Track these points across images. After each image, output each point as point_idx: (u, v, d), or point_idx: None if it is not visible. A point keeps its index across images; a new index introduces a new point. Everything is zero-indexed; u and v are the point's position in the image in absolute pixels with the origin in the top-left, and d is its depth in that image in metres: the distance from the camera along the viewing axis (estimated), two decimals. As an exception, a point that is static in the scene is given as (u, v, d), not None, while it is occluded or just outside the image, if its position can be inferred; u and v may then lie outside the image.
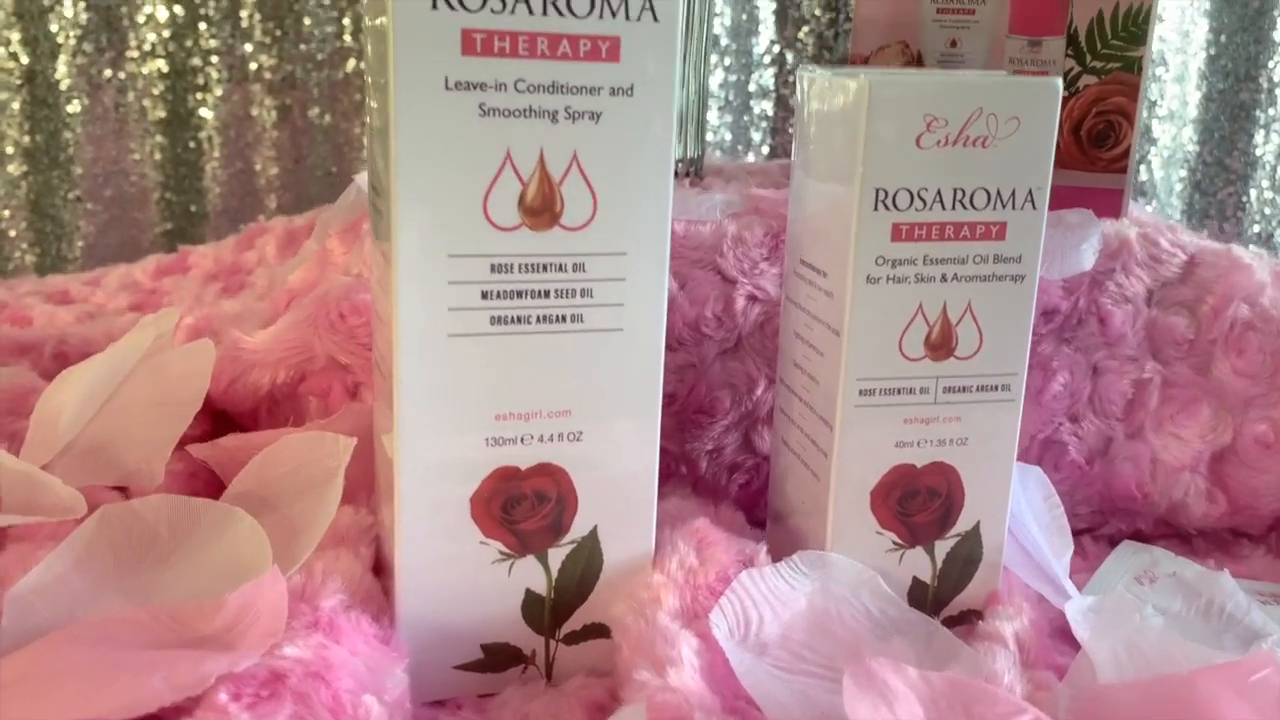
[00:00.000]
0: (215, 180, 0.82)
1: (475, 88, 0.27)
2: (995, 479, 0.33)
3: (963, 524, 0.33)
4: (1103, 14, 0.45)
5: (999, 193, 0.31)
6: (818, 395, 0.33)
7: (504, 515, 0.30)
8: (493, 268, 0.28)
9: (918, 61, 0.47)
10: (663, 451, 0.40)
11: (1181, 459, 0.40)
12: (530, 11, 0.27)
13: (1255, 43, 0.86)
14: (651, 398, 0.30)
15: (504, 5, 0.26)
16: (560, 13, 0.27)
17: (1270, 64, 0.86)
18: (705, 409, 0.39)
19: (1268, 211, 0.89)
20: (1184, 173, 0.88)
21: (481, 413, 0.29)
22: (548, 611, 0.31)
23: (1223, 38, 0.86)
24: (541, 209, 0.28)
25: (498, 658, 0.31)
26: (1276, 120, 0.87)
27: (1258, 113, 0.87)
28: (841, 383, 0.31)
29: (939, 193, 0.30)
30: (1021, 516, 0.35)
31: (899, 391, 0.32)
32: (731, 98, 0.81)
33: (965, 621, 0.34)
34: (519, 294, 0.28)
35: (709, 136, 0.80)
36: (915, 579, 0.33)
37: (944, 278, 0.31)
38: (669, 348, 0.39)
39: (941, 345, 0.32)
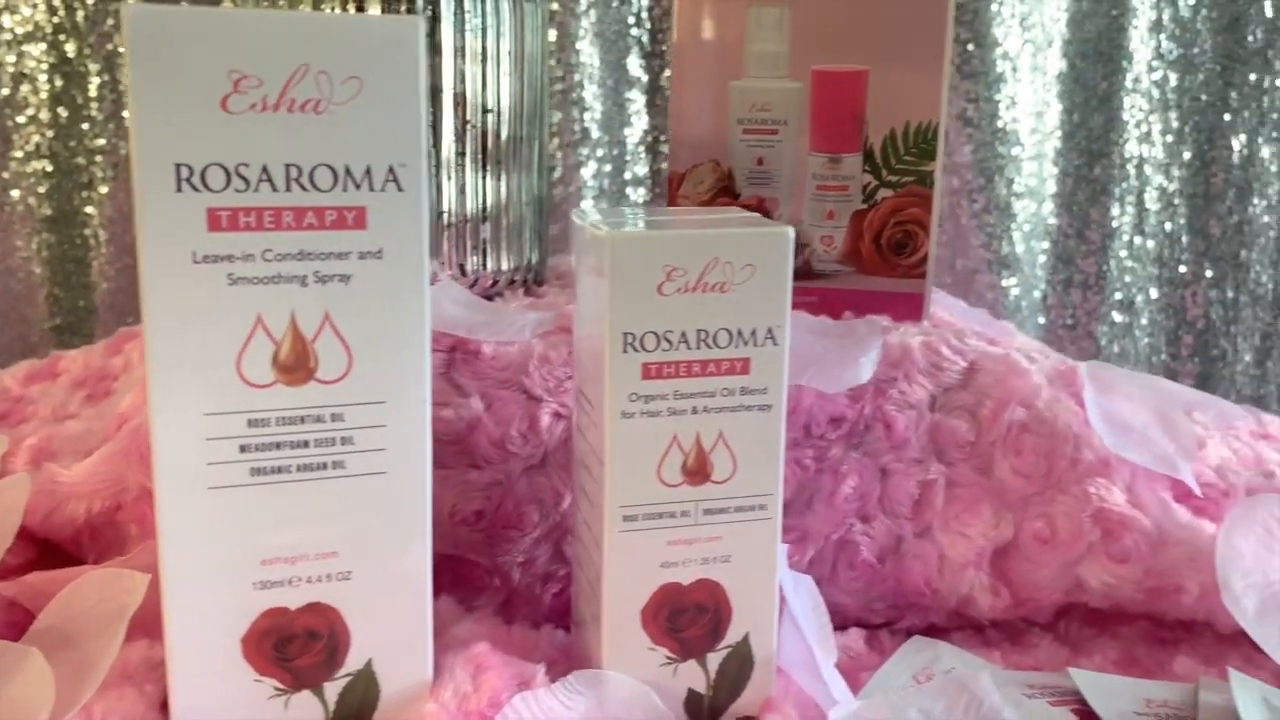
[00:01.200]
0: (103, 276, 0.83)
1: (223, 259, 0.29)
2: (760, 592, 0.35)
3: (732, 636, 0.35)
4: (895, 132, 0.48)
5: (740, 332, 0.33)
6: (593, 517, 0.35)
7: (276, 654, 0.31)
8: (249, 422, 0.30)
9: (729, 178, 0.50)
10: (473, 565, 0.42)
11: (966, 556, 0.42)
12: (274, 189, 0.29)
13: (1107, 121, 0.90)
14: (420, 535, 0.32)
15: (247, 184, 0.28)
16: (304, 188, 0.29)
17: (1122, 141, 0.90)
18: (513, 524, 0.41)
19: (1127, 279, 0.93)
20: (1046, 244, 0.92)
21: (247, 558, 0.30)
22: (330, 741, 0.32)
23: (1075, 117, 0.90)
24: (295, 366, 0.30)
25: (279, 788, 0.32)
26: (1130, 194, 0.92)
27: (1112, 187, 0.91)
28: (606, 508, 0.33)
29: (683, 334, 0.33)
30: (800, 624, 0.37)
31: (660, 515, 0.34)
32: (606, 187, 0.83)
33: (743, 728, 0.36)
34: (278, 445, 0.30)
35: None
36: (690, 690, 0.35)
37: (695, 410, 0.33)
38: (475, 467, 0.41)
39: (698, 471, 0.34)
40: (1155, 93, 0.90)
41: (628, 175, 0.84)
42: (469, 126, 0.49)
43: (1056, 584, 0.42)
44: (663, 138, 0.83)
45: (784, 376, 0.34)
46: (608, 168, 0.83)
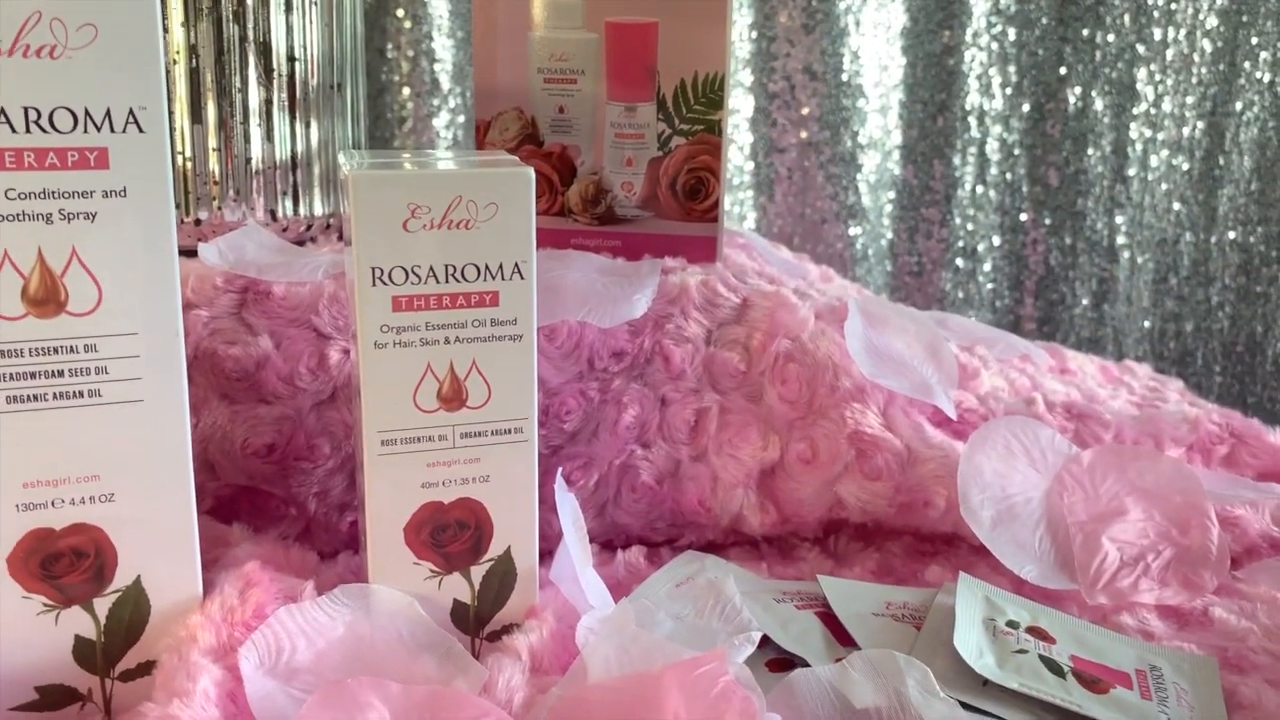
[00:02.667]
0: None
1: (-35, 198, 0.30)
2: (519, 509, 0.38)
3: (494, 550, 0.38)
4: (684, 83, 0.51)
5: (487, 267, 0.35)
6: (359, 443, 0.37)
7: (43, 571, 0.33)
8: (2, 353, 0.31)
9: (532, 126, 0.52)
10: (269, 496, 0.44)
11: (737, 476, 0.45)
12: (13, 130, 0.30)
13: (948, 74, 0.94)
14: (180, 458, 0.34)
15: (-15, 125, 0.30)
16: (44, 130, 0.31)
17: (963, 93, 0.94)
18: (305, 456, 0.43)
19: (970, 228, 0.98)
20: (892, 194, 0.96)
21: (7, 481, 0.32)
22: (99, 654, 0.34)
23: (918, 70, 0.93)
24: (45, 299, 0.32)
25: (52, 697, 0.34)
26: (971, 145, 0.96)
27: (954, 138, 0.95)
28: (365, 435, 0.36)
29: (431, 269, 0.35)
30: (566, 538, 0.40)
31: (419, 440, 0.36)
32: (459, 137, 0.85)
33: (507, 634, 0.38)
34: (32, 375, 0.32)
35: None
36: (456, 601, 0.38)
37: (447, 340, 0.36)
38: (265, 402, 0.43)
39: (453, 398, 0.36)
40: (994, 46, 0.94)
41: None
42: (274, 75, 0.50)
43: (818, 501, 0.46)
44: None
45: (533, 308, 0.36)
46: (460, 118, 0.84)
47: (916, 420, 0.46)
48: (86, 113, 0.31)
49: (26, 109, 0.30)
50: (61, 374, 0.32)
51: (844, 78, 0.91)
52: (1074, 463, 0.46)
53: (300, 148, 0.52)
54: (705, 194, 0.52)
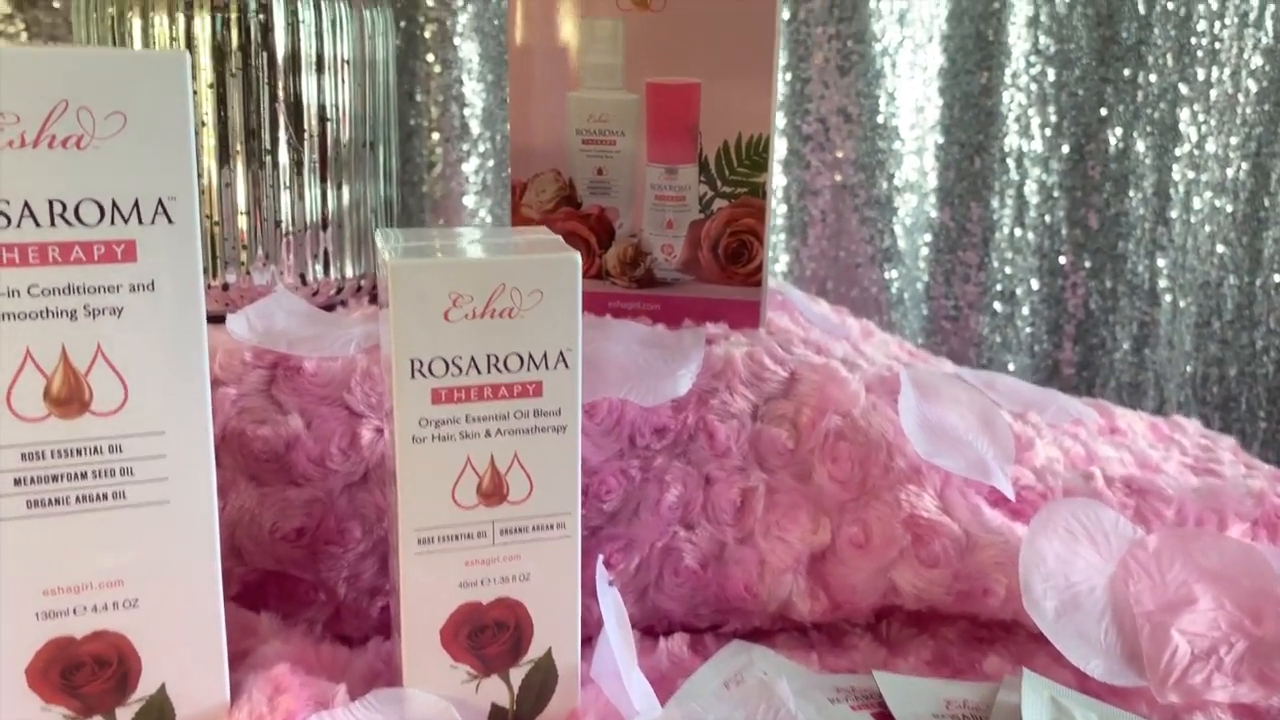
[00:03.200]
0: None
1: (-14, 296, 0.29)
2: (561, 608, 0.36)
3: (534, 651, 0.36)
4: (727, 144, 0.49)
5: (530, 355, 0.34)
6: (395, 539, 0.35)
7: (64, 681, 0.31)
8: (23, 456, 0.30)
9: (570, 188, 0.50)
10: (298, 581, 0.42)
11: (785, 561, 0.43)
12: (37, 224, 0.29)
13: (986, 115, 0.92)
14: (207, 561, 0.32)
15: (9, 221, 0.28)
16: (70, 223, 0.29)
17: (1001, 134, 0.92)
18: (336, 540, 0.41)
19: (1008, 271, 0.96)
20: (928, 237, 0.94)
21: (27, 589, 0.31)
22: (121, 766, 0.33)
23: (955, 111, 0.92)
24: (68, 399, 0.30)
25: (72, 813, 0.32)
26: (1009, 187, 0.93)
27: (992, 180, 0.93)
28: (401, 533, 0.34)
29: (473, 359, 0.33)
30: (610, 636, 0.38)
31: (457, 537, 0.34)
32: (489, 182, 0.83)
33: (547, 739, 0.36)
34: (54, 478, 0.30)
35: (477, 219, 0.82)
36: (494, 705, 0.36)
37: (488, 433, 0.34)
38: (295, 484, 0.41)
39: (493, 493, 0.34)
40: (1034, 87, 0.92)
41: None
42: (306, 135, 0.48)
43: (871, 588, 0.44)
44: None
45: (578, 398, 0.34)
46: (490, 163, 0.83)
47: (974, 502, 0.44)
48: (114, 204, 0.29)
49: (51, 202, 0.29)
50: (84, 476, 0.31)
51: (880, 120, 0.89)
52: (1139, 547, 0.44)
53: (331, 208, 0.50)
54: (748, 257, 0.50)
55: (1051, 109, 0.93)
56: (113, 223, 0.29)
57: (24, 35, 0.77)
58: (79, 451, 0.30)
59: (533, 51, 0.49)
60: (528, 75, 0.50)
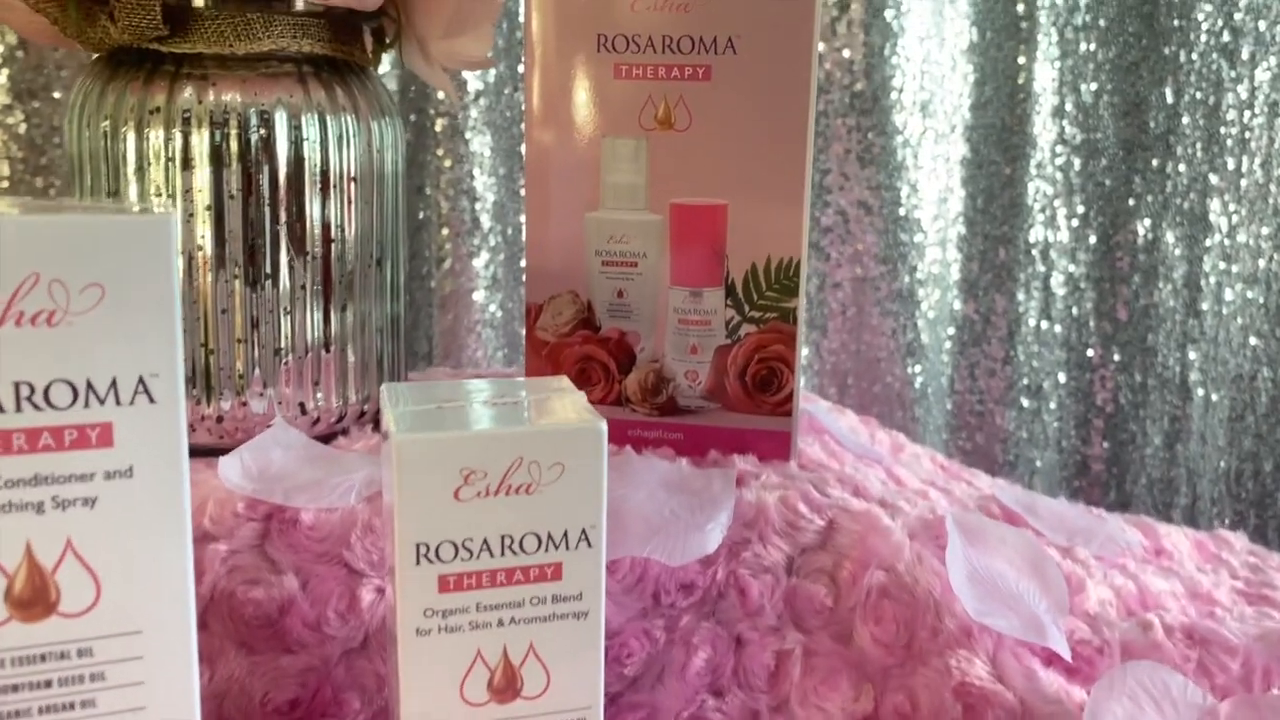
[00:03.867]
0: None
1: (-60, 491, 0.25)
2: (582, 810, 0.32)
3: None
4: (756, 267, 0.46)
5: (550, 535, 0.30)
6: (397, 731, 0.32)
7: None
8: (-22, 666, 0.26)
9: (588, 310, 0.47)
10: (290, 756, 0.38)
11: (824, 732, 0.40)
12: (2, 410, 0.26)
13: (1011, 206, 0.89)
14: (186, 771, 0.29)
15: (-32, 407, 0.25)
16: (38, 407, 0.26)
17: (1026, 226, 0.90)
18: (332, 712, 0.38)
19: (1035, 364, 0.92)
20: (952, 331, 0.91)
21: (-21, 814, 0.27)
22: None
23: (978, 202, 0.89)
24: (32, 601, 0.27)
25: None
26: (1035, 279, 0.91)
27: (1018, 272, 0.90)
28: (404, 731, 0.30)
29: (485, 541, 0.30)
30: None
31: (466, 736, 0.31)
32: (500, 276, 0.81)
33: None
34: (14, 688, 0.27)
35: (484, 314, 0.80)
36: None
37: (501, 622, 0.30)
38: (289, 651, 0.38)
39: (506, 688, 0.31)
40: (1059, 177, 0.90)
41: (523, 263, 0.82)
42: (308, 256, 0.46)
43: (919, 761, 0.40)
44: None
45: (601, 579, 0.31)
46: (501, 256, 0.80)
47: (1028, 665, 0.40)
48: (89, 384, 0.26)
49: (18, 385, 0.26)
50: (49, 684, 0.27)
51: (901, 212, 0.86)
52: (1210, 717, 0.40)
53: (334, 330, 0.47)
54: (778, 386, 0.47)
55: (1078, 199, 0.90)
56: (87, 405, 0.26)
57: (24, 127, 0.75)
58: (43, 658, 0.27)
59: (550, 170, 0.47)
60: (545, 194, 0.47)
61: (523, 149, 0.50)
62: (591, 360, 0.48)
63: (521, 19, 0.74)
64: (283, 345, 0.46)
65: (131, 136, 0.44)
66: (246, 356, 0.45)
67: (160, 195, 0.44)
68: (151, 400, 0.27)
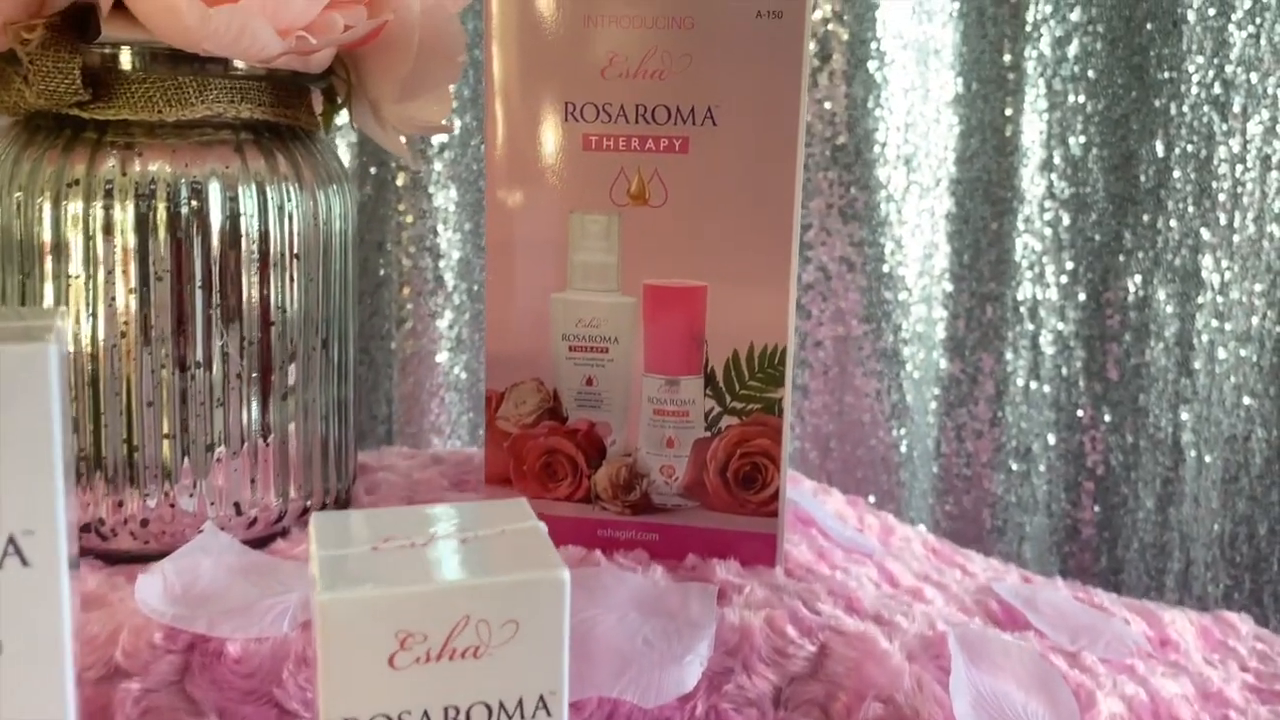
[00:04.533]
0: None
1: None
2: None
3: None
4: (738, 354, 0.42)
5: (503, 705, 0.26)
6: None
7: None
8: None
9: (554, 399, 0.43)
10: None
11: None
12: None
13: (998, 263, 0.86)
14: None
15: None
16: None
17: (1014, 283, 0.86)
18: None
19: (1024, 425, 0.89)
20: (938, 391, 0.87)
21: None
22: None
23: (965, 258, 0.86)
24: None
25: None
26: (1024, 337, 0.87)
27: (1005, 330, 0.87)
28: None
29: (425, 712, 0.26)
30: None
31: None
32: (464, 336, 0.77)
33: None
34: None
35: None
36: None
37: (446, 803, 0.26)
38: (208, 807, 0.33)
39: None
40: (1048, 232, 0.87)
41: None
42: (245, 344, 0.41)
43: None
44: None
45: (562, 750, 0.27)
46: (466, 316, 0.76)
47: (1041, 808, 0.36)
48: (-57, 547, 0.22)
49: None
50: None
51: (885, 268, 0.83)
52: None
53: (274, 420, 0.43)
54: (762, 483, 0.43)
55: (1067, 255, 0.87)
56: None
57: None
58: None
59: (514, 247, 0.43)
60: (508, 273, 0.43)
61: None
62: (558, 453, 0.44)
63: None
64: (215, 438, 0.41)
65: (48, 209, 0.40)
66: (175, 450, 0.41)
67: (78, 276, 0.40)
68: (24, 563, 0.22)
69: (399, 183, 0.72)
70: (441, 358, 0.75)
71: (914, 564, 0.52)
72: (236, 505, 0.42)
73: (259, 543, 0.42)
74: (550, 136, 0.42)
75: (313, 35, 0.39)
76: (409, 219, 0.73)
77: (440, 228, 0.74)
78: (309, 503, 0.45)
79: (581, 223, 0.42)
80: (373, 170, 0.73)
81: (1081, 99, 0.85)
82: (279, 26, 0.38)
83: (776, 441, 0.42)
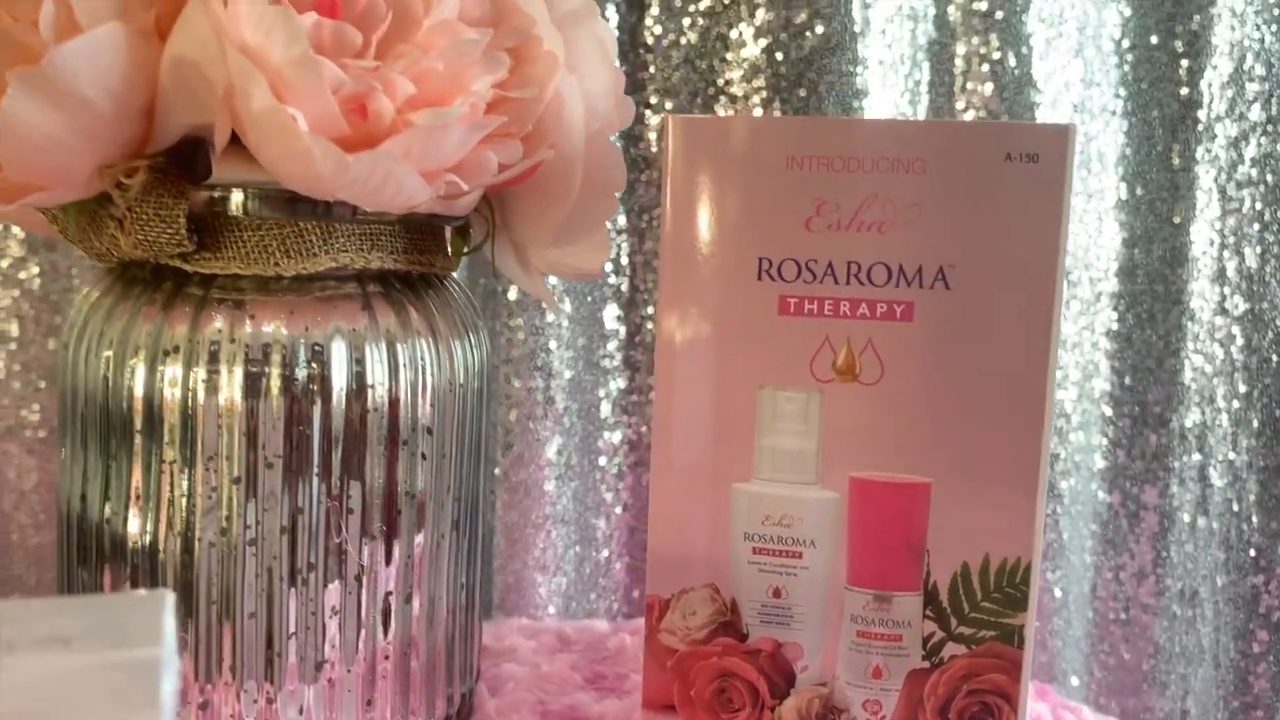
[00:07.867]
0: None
1: None
2: None
3: None
4: (969, 568, 0.34)
5: None
6: None
7: None
8: None
9: (732, 612, 0.36)
10: None
11: None
12: None
13: (1165, 386, 0.77)
14: None
15: None
16: None
17: (1182, 408, 0.77)
18: None
19: (1189, 566, 0.79)
20: (1095, 527, 0.78)
21: None
22: None
23: (1127, 380, 0.77)
24: None
25: None
26: (1190, 468, 0.78)
27: (1171, 460, 0.78)
28: None
29: None
30: None
31: None
32: (574, 462, 0.69)
33: None
34: None
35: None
36: None
37: None
38: None
39: None
40: (1219, 352, 0.78)
41: (600, 443, 0.70)
42: (366, 538, 0.34)
43: None
44: (634, 397, 0.69)
45: None
46: (575, 439, 0.69)
47: None
48: None
49: None
50: None
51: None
52: None
53: (395, 630, 0.35)
54: (993, 728, 0.34)
55: (1240, 378, 0.78)
56: None
57: (38, 282, 0.65)
58: None
59: (686, 425, 0.35)
60: (679, 456, 0.36)
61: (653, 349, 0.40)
62: (734, 678, 0.36)
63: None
64: (327, 654, 0.34)
65: (141, 376, 0.33)
66: (278, 671, 0.34)
67: (173, 461, 0.33)
68: None
69: (510, 296, 0.66)
70: (549, 486, 0.68)
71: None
72: (348, 733, 0.35)
73: (373, 780, 0.35)
74: (738, 297, 0.34)
75: (463, 178, 0.32)
76: (520, 336, 0.66)
77: (553, 344, 0.67)
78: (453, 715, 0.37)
79: (774, 400, 0.34)
80: (481, 281, 0.66)
81: (1259, 205, 0.77)
82: (425, 168, 0.31)
83: (1014, 678, 0.34)
